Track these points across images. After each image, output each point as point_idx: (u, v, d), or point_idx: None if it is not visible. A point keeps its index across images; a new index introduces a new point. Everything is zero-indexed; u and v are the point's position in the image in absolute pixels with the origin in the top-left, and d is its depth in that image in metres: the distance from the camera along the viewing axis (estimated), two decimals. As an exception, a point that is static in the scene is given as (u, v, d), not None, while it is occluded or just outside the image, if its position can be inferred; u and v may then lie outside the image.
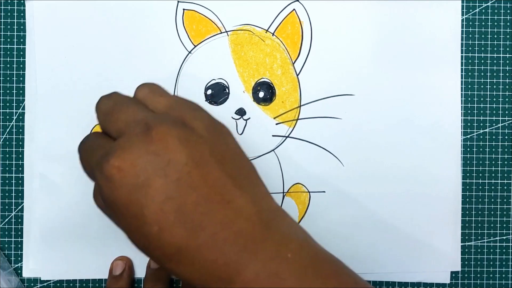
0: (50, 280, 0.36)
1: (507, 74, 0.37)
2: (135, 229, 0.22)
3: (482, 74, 0.37)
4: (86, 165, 0.25)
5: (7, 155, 0.36)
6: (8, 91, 0.36)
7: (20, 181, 0.36)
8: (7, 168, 0.36)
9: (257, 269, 0.22)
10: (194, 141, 0.23)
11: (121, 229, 0.25)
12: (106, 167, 0.22)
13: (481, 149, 0.37)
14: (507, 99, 0.37)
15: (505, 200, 0.37)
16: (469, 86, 0.37)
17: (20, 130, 0.36)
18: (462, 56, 0.37)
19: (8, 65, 0.36)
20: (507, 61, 0.37)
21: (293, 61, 0.36)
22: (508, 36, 0.37)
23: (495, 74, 0.37)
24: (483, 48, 0.37)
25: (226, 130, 0.26)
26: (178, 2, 0.36)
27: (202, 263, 0.22)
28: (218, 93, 0.36)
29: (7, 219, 0.36)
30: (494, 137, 0.37)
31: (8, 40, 0.36)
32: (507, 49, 0.37)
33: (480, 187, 0.37)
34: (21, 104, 0.36)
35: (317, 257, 0.23)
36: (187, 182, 0.22)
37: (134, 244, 0.24)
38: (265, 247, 0.22)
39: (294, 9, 0.36)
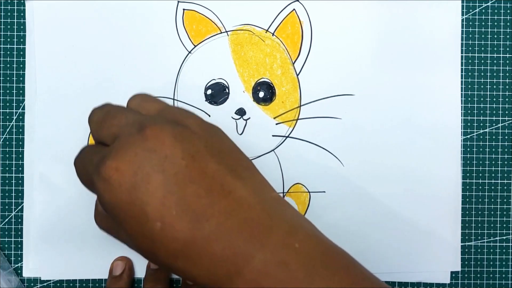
0: (50, 280, 0.36)
1: (507, 74, 0.37)
2: (138, 230, 0.22)
3: (482, 74, 0.37)
4: (83, 176, 0.25)
5: (7, 155, 0.36)
6: (8, 91, 0.36)
7: (20, 181, 0.36)
8: (7, 168, 0.36)
9: (265, 259, 0.21)
10: (189, 136, 0.23)
11: (125, 242, 0.24)
12: (103, 169, 0.22)
13: (481, 149, 0.37)
14: (507, 99, 0.37)
15: (505, 200, 0.37)
16: (469, 86, 0.37)
17: (20, 130, 0.36)
18: (462, 56, 0.37)
19: (8, 65, 0.36)
20: (507, 61, 0.37)
21: (293, 61, 0.36)
22: (508, 36, 0.37)
23: (495, 74, 0.37)
24: (483, 48, 0.37)
25: (218, 128, 0.26)
26: (178, 2, 0.36)
27: (209, 256, 0.22)
28: (218, 93, 0.36)
29: (7, 219, 0.36)
30: (494, 137, 0.37)
31: (8, 40, 0.36)
32: (507, 49, 0.37)
33: (480, 187, 0.37)
34: (21, 104, 0.36)
35: (325, 248, 0.23)
36: (185, 175, 0.22)
37: (139, 250, 0.23)
38: (272, 236, 0.22)
39: (294, 9, 0.36)
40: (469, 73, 0.37)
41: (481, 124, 0.37)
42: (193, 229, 0.21)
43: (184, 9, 0.36)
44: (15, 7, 0.36)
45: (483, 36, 0.37)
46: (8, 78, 0.36)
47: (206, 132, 0.24)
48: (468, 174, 0.37)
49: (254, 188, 0.23)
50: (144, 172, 0.22)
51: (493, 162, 0.37)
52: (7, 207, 0.36)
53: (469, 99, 0.37)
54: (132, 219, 0.22)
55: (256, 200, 0.23)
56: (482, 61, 0.37)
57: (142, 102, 0.26)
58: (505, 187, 0.37)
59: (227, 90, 0.36)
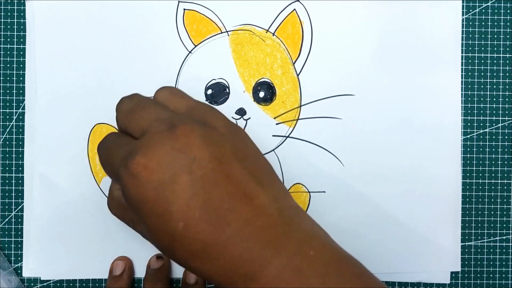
0: (50, 280, 0.36)
1: (507, 74, 0.37)
2: (160, 227, 0.22)
3: (482, 74, 0.37)
4: (107, 165, 0.25)
5: (7, 155, 0.36)
6: (8, 91, 0.36)
7: (20, 181, 0.36)
8: (7, 168, 0.36)
9: (280, 265, 0.22)
10: (216, 139, 0.23)
11: (141, 233, 0.25)
12: (132, 165, 0.22)
13: (481, 149, 0.37)
14: (507, 99, 0.37)
15: (505, 200, 0.37)
16: (469, 86, 0.37)
17: (20, 130, 0.36)
18: (462, 56, 0.37)
19: (8, 65, 0.36)
20: (507, 61, 0.37)
21: (294, 61, 0.36)
22: (508, 36, 0.37)
23: (495, 74, 0.37)
24: (483, 48, 0.37)
25: (242, 130, 0.26)
26: (178, 2, 0.36)
27: (227, 259, 0.22)
28: (218, 93, 0.36)
29: (7, 219, 0.36)
30: (494, 137, 0.37)
31: (8, 40, 0.36)
32: (507, 49, 0.37)
33: (480, 187, 0.37)
34: (21, 104, 0.36)
35: (339, 256, 0.24)
36: (211, 178, 0.22)
37: (157, 245, 0.24)
38: (288, 244, 0.22)
39: (294, 9, 0.36)
40: (469, 73, 0.37)
41: (481, 124, 0.37)
42: (214, 232, 0.22)
43: (184, 9, 0.36)
44: (15, 7, 0.36)
45: (483, 36, 0.37)
46: (8, 78, 0.36)
47: (232, 134, 0.24)
48: (468, 174, 0.37)
49: (274, 195, 0.24)
50: (172, 172, 0.22)
51: (493, 162, 0.37)
52: (7, 207, 0.36)
53: (469, 99, 0.37)
54: (156, 216, 0.22)
55: (275, 207, 0.23)
56: (482, 61, 0.37)
57: (170, 96, 0.26)
58: (505, 187, 0.37)
59: (227, 90, 0.36)
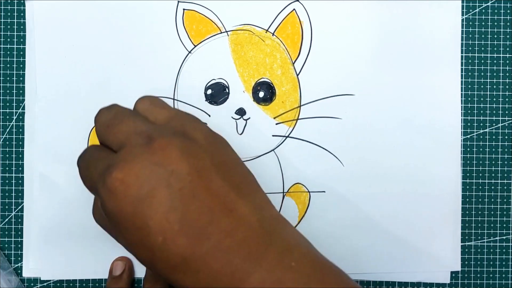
0: (50, 280, 0.36)
1: (507, 74, 0.37)
2: (139, 241, 0.22)
3: (482, 74, 0.37)
4: (86, 179, 0.25)
5: (7, 155, 0.36)
6: (8, 91, 0.36)
7: (20, 181, 0.36)
8: (7, 168, 0.36)
9: (261, 278, 0.22)
10: (195, 151, 0.23)
11: (122, 244, 0.24)
12: (109, 180, 0.22)
13: (481, 149, 0.37)
14: (507, 99, 0.37)
15: (505, 200, 0.37)
16: (469, 86, 0.37)
17: (20, 130, 0.36)
18: (462, 56, 0.37)
19: (8, 65, 0.36)
20: (507, 61, 0.37)
21: (293, 61, 0.36)
22: (508, 36, 0.37)
23: (495, 74, 0.37)
24: (483, 48, 0.37)
25: (224, 140, 0.26)
26: (178, 2, 0.36)
27: (207, 273, 0.22)
28: (218, 93, 0.36)
29: (7, 219, 0.36)
30: (494, 137, 0.37)
31: (8, 40, 0.36)
32: (507, 49, 0.37)
33: (480, 187, 0.37)
34: (21, 104, 0.36)
35: (320, 266, 0.23)
36: (190, 191, 0.22)
37: (137, 258, 0.24)
38: (269, 255, 0.22)
39: (294, 9, 0.36)
40: (469, 73, 0.37)
41: (481, 124, 0.37)
42: (193, 245, 0.22)
43: (184, 9, 0.36)
44: (15, 7, 0.36)
45: (483, 36, 0.37)
46: (8, 78, 0.36)
47: (212, 145, 0.24)
48: (468, 174, 0.37)
49: (255, 206, 0.23)
50: (149, 186, 0.22)
51: (493, 162, 0.37)
52: (7, 207, 0.36)
53: (469, 99, 0.37)
54: (134, 230, 0.22)
55: (256, 218, 0.23)
56: (482, 61, 0.37)
57: (150, 107, 0.26)
58: (505, 187, 0.37)
59: (227, 90, 0.36)
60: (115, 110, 0.26)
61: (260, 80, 0.36)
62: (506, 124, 0.37)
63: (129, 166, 0.22)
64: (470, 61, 0.37)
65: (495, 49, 0.37)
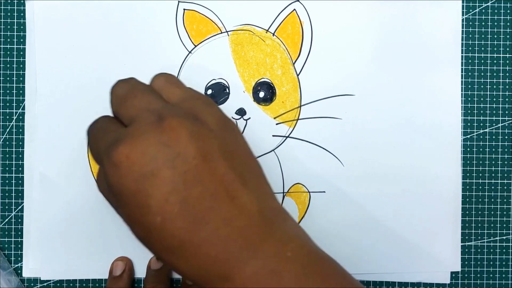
0: (50, 280, 0.36)
1: (507, 74, 0.37)
2: (138, 219, 0.22)
3: (482, 74, 0.37)
4: (93, 149, 0.25)
5: (7, 155, 0.36)
6: (8, 91, 0.36)
7: (20, 181, 0.36)
8: (7, 168, 0.36)
9: (256, 267, 0.22)
10: (205, 135, 0.23)
11: (122, 218, 0.24)
12: (114, 154, 0.22)
13: (481, 149, 0.37)
14: (507, 99, 0.37)
15: (505, 200, 0.37)
16: (469, 86, 0.37)
17: (20, 130, 0.36)
18: (462, 56, 0.37)
19: (8, 65, 0.36)
20: (507, 61, 0.37)
21: (294, 61, 0.36)
22: (508, 36, 0.37)
23: (495, 74, 0.37)
24: (483, 48, 0.37)
25: (236, 127, 0.26)
26: (178, 2, 0.36)
27: (202, 258, 0.22)
28: (218, 93, 0.36)
29: (7, 219, 0.36)
30: (494, 137, 0.37)
31: (8, 40, 0.36)
32: (507, 49, 0.37)
33: (480, 187, 0.37)
34: (21, 104, 0.36)
35: (316, 257, 0.23)
36: (194, 175, 0.22)
37: (135, 235, 0.24)
38: (266, 245, 0.22)
39: (294, 9, 0.36)
40: (469, 73, 0.37)
41: (481, 124, 0.37)
42: (192, 230, 0.22)
43: (184, 9, 0.36)
44: (15, 7, 0.36)
45: (483, 36, 0.37)
46: (8, 78, 0.36)
47: (223, 131, 0.24)
48: (468, 174, 0.37)
49: (257, 197, 0.23)
50: (154, 165, 0.22)
51: (493, 162, 0.37)
52: (7, 207, 0.36)
53: (469, 99, 0.37)
54: (134, 208, 0.22)
55: (257, 208, 0.23)
56: (482, 61, 0.37)
57: (166, 83, 0.26)
58: (505, 187, 0.37)
59: (227, 90, 0.36)
60: (131, 84, 0.26)
61: (260, 80, 0.36)
62: (506, 124, 0.37)
63: (136, 142, 0.22)
64: (470, 61, 0.37)
65: (495, 49, 0.37)
